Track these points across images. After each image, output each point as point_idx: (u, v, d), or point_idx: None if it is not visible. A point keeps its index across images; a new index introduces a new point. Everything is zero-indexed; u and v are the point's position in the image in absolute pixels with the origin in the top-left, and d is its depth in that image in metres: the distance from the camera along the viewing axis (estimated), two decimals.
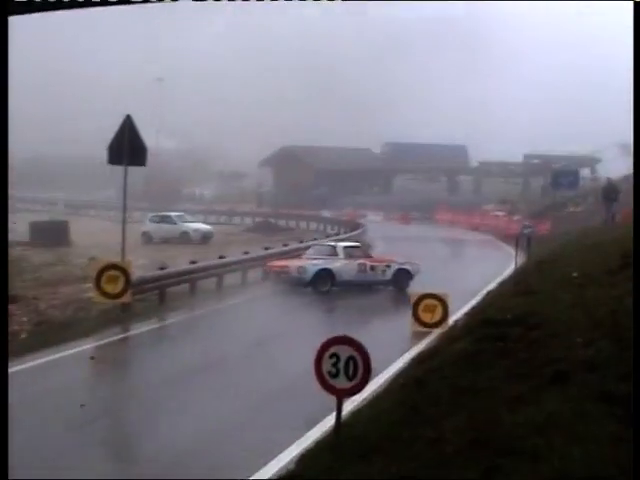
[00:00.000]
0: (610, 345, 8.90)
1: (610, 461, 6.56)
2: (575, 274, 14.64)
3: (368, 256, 25.58)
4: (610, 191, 34.17)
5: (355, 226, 45.10)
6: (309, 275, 23.46)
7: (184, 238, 44.34)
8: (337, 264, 23.83)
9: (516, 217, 53.32)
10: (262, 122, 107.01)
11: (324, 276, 23.49)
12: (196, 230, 45.29)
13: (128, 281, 18.40)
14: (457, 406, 8.59)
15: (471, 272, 30.59)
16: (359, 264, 24.08)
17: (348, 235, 39.66)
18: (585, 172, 74.71)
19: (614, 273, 13.03)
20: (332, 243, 26.42)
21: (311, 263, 23.82)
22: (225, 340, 16.63)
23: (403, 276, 24.23)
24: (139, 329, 17.44)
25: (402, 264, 24.72)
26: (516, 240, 30.19)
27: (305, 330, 17.26)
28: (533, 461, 6.78)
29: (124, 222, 19.50)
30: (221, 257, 25.03)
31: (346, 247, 25.03)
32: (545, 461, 6.72)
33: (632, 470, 6.07)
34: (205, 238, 44.70)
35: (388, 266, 24.49)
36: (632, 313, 7.88)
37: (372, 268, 24.26)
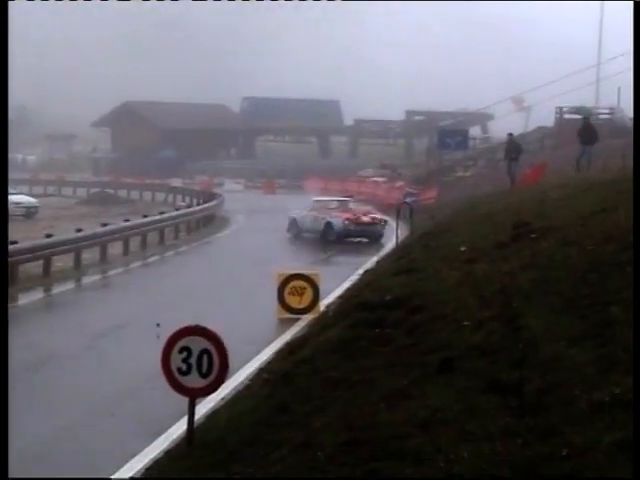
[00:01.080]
0: (501, 327, 9.17)
1: (502, 459, 6.77)
2: (463, 248, 15.00)
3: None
4: (511, 149, 34.87)
5: (210, 196, 44.94)
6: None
7: None
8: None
9: (398, 184, 54.23)
10: (97, 76, 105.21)
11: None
12: (18, 203, 44.16)
13: None
14: (330, 402, 8.70)
15: (345, 249, 30.99)
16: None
17: (202, 207, 39.49)
18: (475, 131, 76.56)
19: (506, 246, 13.43)
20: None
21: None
22: (58, 334, 16.32)
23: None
24: None
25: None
26: (397, 210, 30.70)
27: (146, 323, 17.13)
28: (416, 463, 6.93)
29: None
30: (48, 236, 24.48)
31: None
32: (430, 463, 6.88)
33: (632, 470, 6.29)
34: (29, 213, 43.73)
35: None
36: (633, 314, 8.14)
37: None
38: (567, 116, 58.11)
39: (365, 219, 32.93)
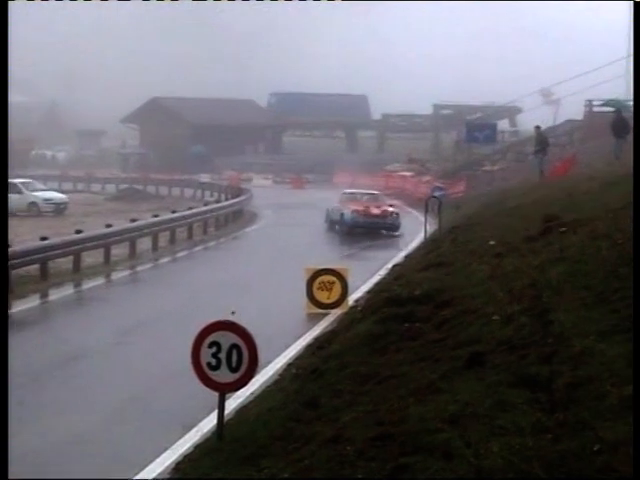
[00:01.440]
0: (530, 321, 9.13)
1: (533, 454, 6.74)
2: (492, 242, 14.96)
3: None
4: (540, 143, 34.75)
5: (238, 192, 45.01)
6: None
7: (33, 210, 43.49)
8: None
9: (426, 178, 54.10)
10: (126, 72, 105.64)
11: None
12: (48, 200, 44.46)
13: None
14: (359, 397, 8.69)
15: (374, 244, 30.96)
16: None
17: (230, 202, 39.55)
18: (504, 124, 76.21)
19: (535, 240, 13.37)
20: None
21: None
22: (86, 331, 16.40)
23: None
24: None
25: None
26: (425, 204, 30.63)
27: (175, 317, 17.17)
28: (445, 458, 6.91)
29: None
30: (78, 232, 24.61)
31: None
32: (459, 457, 6.86)
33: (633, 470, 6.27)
34: (59, 209, 43.97)
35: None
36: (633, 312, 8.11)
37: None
38: (596, 109, 57.75)
39: (374, 211, 33.34)
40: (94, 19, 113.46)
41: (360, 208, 33.38)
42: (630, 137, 31.76)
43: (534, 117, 56.88)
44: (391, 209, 34.12)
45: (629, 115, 41.59)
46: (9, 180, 46.66)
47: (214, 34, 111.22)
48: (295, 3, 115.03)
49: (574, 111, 60.98)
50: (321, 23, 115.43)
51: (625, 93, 73.22)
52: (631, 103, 59.10)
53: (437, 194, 36.97)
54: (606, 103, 50.56)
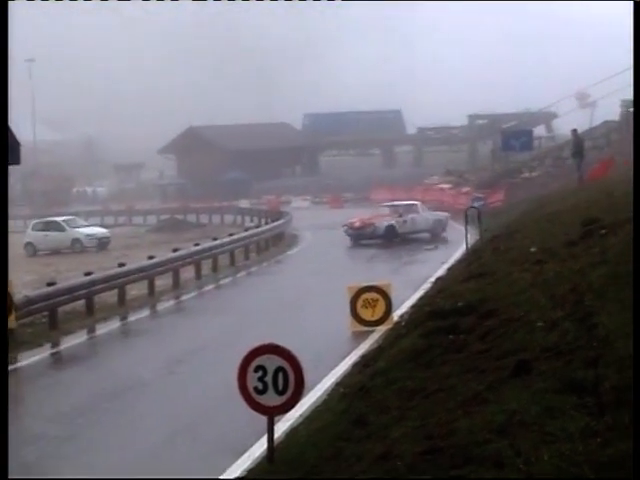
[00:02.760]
0: (574, 326, 9.11)
1: (583, 459, 6.73)
2: (533, 249, 14.92)
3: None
4: (577, 146, 34.65)
5: (278, 215, 45.17)
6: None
7: (77, 246, 43.93)
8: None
9: (465, 189, 54.00)
10: (160, 104, 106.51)
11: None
12: (90, 235, 44.87)
13: (11, 304, 18.11)
14: (407, 412, 8.71)
15: (417, 258, 30.95)
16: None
17: (271, 226, 39.71)
18: (540, 130, 75.90)
19: (575, 244, 13.33)
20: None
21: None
22: (136, 363, 16.55)
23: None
24: (27, 359, 17.21)
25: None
26: (465, 215, 30.58)
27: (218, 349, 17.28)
28: (496, 468, 6.91)
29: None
30: (121, 265, 24.85)
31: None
32: (510, 466, 6.85)
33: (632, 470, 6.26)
34: (102, 244, 44.35)
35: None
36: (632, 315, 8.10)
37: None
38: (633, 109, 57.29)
39: (356, 224, 37.80)
40: (124, 52, 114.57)
41: (349, 222, 37.97)
42: None
43: (570, 121, 56.60)
44: (371, 221, 37.80)
45: None
46: (51, 218, 47.46)
47: (244, 58, 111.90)
48: (322, 22, 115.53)
49: (611, 112, 60.65)
50: (349, 40, 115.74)
51: None
52: None
53: (476, 204, 36.92)
54: (625, 104, 50.21)
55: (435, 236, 37.48)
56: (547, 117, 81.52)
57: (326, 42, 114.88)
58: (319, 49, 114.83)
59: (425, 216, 38.77)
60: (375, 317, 17.34)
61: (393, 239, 37.42)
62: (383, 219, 38.51)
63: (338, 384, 12.43)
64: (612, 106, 59.29)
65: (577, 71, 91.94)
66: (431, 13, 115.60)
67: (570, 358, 8.44)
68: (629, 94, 58.75)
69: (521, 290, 11.75)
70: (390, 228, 37.76)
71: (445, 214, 40.16)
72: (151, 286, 25.30)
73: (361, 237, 37.44)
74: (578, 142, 35.21)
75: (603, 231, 13.28)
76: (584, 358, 8.29)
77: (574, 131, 36.21)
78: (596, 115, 72.02)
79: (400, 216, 38.51)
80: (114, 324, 21.13)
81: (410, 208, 38.99)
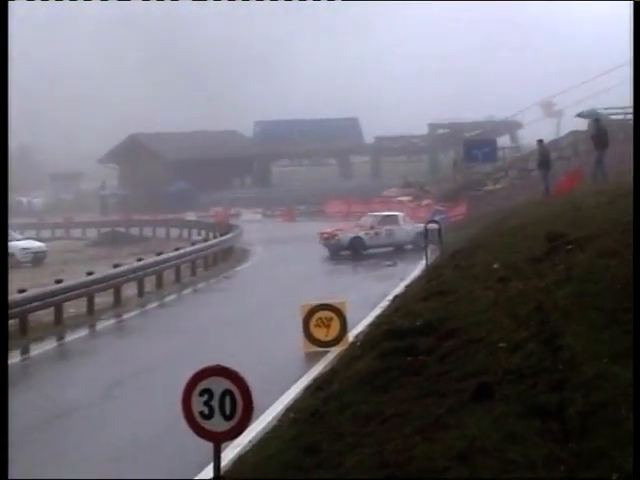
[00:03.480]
0: (538, 348, 9.17)
1: None
2: (496, 265, 15.01)
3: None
4: (543, 157, 35.02)
5: (227, 228, 45.10)
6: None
7: (10, 261, 43.46)
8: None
9: (425, 201, 54.31)
10: (102, 110, 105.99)
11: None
12: (25, 249, 44.51)
13: None
14: (362, 439, 8.71)
15: (373, 274, 31.04)
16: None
17: (219, 240, 39.63)
18: (504, 140, 76.49)
19: (540, 261, 13.42)
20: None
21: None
22: (72, 387, 16.41)
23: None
24: None
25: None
26: (425, 229, 30.72)
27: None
28: None
29: None
30: (58, 281, 24.64)
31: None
32: None
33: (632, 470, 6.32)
34: (37, 258, 44.02)
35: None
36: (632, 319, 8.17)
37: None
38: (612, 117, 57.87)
39: (325, 235, 39.48)
40: (65, 54, 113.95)
41: (320, 232, 39.69)
42: (607, 148, 32.43)
43: (536, 130, 57.17)
44: (335, 232, 39.37)
45: (609, 125, 42.09)
46: None
47: (190, 63, 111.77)
48: (275, 25, 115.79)
49: (578, 122, 61.29)
50: (304, 45, 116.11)
51: (630, 99, 73.52)
52: (611, 111, 59.52)
53: (437, 218, 37.08)
54: (580, 114, 50.94)
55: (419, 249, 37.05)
56: (511, 126, 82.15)
57: (278, 47, 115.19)
58: (271, 54, 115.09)
59: (405, 228, 38.93)
60: (329, 337, 17.35)
61: (360, 252, 37.73)
62: (349, 231, 39.06)
63: (289, 409, 12.41)
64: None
65: (543, 79, 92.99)
66: (388, 17, 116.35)
67: (534, 381, 8.50)
68: (596, 103, 59.47)
69: (483, 309, 11.81)
70: (356, 240, 38.22)
71: (434, 226, 39.71)
72: (90, 304, 25.13)
73: (331, 248, 38.63)
74: (544, 153, 35.56)
75: (570, 247, 13.38)
76: (549, 381, 8.35)
77: (540, 141, 36.56)
78: (563, 125, 72.81)
79: (371, 228, 38.75)
80: (49, 344, 20.95)
81: (389, 219, 39.46)
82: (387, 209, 55.35)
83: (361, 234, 38.69)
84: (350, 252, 38.02)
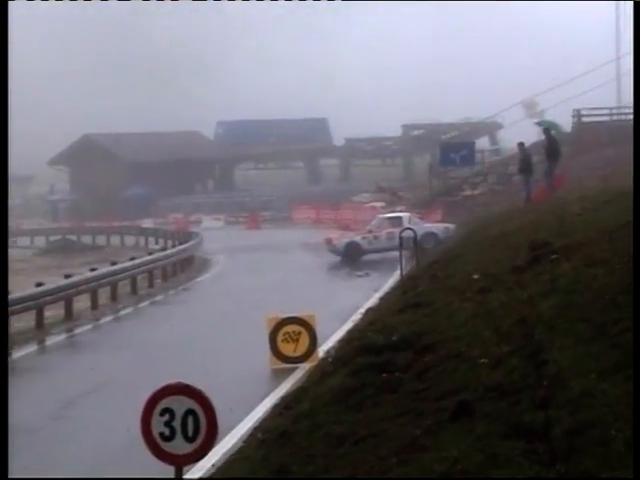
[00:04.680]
0: (522, 363, 9.23)
1: None
2: (476, 276, 15.10)
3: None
4: (524, 161, 35.34)
5: (187, 237, 45.03)
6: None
7: None
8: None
9: (399, 208, 54.36)
10: (52, 109, 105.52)
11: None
12: None
13: None
14: (335, 461, 8.73)
15: (344, 286, 31.09)
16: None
17: (178, 249, 39.56)
18: (483, 142, 76.85)
19: (522, 271, 13.52)
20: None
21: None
22: (19, 407, 16.32)
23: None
24: None
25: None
26: (399, 238, 30.80)
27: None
28: None
29: None
30: None
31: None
32: None
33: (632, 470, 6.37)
34: None
35: None
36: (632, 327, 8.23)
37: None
38: (586, 119, 58.44)
39: (326, 240, 40.27)
40: (14, 51, 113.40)
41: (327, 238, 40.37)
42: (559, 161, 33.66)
43: (517, 132, 57.43)
44: (332, 237, 40.70)
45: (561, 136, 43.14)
46: None
47: (151, 61, 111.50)
48: (240, 20, 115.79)
49: (561, 123, 61.70)
50: (270, 42, 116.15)
51: (616, 98, 74.17)
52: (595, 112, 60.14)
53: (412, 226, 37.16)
54: (539, 123, 51.80)
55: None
56: (491, 127, 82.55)
57: (243, 44, 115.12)
58: (235, 52, 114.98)
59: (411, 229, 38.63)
60: (298, 353, 17.34)
61: (357, 257, 37.98)
62: (346, 236, 39.75)
63: (256, 429, 12.41)
64: (563, 116, 60.31)
65: (524, 77, 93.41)
66: (359, 12, 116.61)
67: (517, 399, 8.55)
68: (581, 103, 59.92)
69: (462, 322, 11.88)
70: (352, 245, 38.49)
71: (445, 225, 40.42)
72: (39, 317, 24.99)
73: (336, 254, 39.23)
74: (525, 156, 35.76)
75: (554, 256, 13.49)
76: (533, 399, 8.40)
77: (521, 144, 36.76)
78: None
79: (370, 232, 38.76)
80: None
81: (392, 221, 39.24)
82: (359, 216, 55.64)
83: (357, 239, 38.87)
84: (347, 258, 38.19)
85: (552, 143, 34.54)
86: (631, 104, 61.61)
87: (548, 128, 37.12)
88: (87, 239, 58.71)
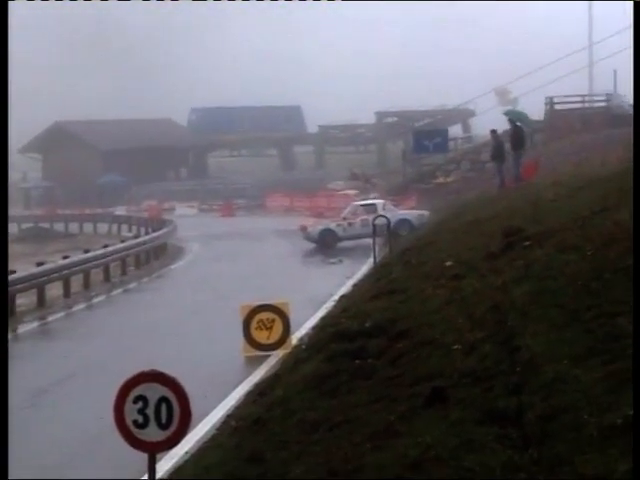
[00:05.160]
0: (495, 349, 9.26)
1: None
2: (449, 262, 15.13)
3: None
4: (497, 148, 35.47)
5: (160, 224, 44.94)
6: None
7: None
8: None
9: (372, 195, 54.45)
10: (22, 96, 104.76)
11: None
12: None
13: None
14: (308, 447, 8.74)
15: (318, 274, 31.11)
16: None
17: (151, 237, 39.47)
18: (456, 130, 77.04)
19: (496, 257, 13.56)
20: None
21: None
22: None
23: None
24: None
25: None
26: (373, 226, 30.83)
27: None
28: None
29: None
30: None
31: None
32: None
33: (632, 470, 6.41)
34: None
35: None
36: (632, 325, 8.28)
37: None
38: (559, 107, 58.69)
39: (300, 228, 40.64)
40: None
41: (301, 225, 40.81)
42: (524, 151, 34.11)
43: (490, 120, 57.47)
44: (307, 225, 40.80)
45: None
46: None
47: (121, 45, 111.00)
48: (212, 8, 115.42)
49: (534, 110, 61.81)
50: (243, 28, 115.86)
51: (588, 86, 74.43)
52: (596, 97, 60.52)
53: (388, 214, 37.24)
54: (506, 113, 52.12)
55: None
56: (464, 115, 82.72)
57: (213, 30, 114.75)
58: (207, 37, 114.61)
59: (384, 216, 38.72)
60: (271, 340, 17.35)
61: (332, 245, 38.10)
62: (320, 223, 39.97)
63: (230, 416, 12.41)
64: (535, 104, 60.48)
65: (497, 65, 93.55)
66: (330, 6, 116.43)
67: (490, 385, 8.58)
68: (553, 91, 60.10)
69: (436, 309, 11.90)
70: (326, 233, 38.66)
71: (419, 212, 40.61)
72: (11, 305, 24.89)
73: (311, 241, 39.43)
74: (498, 143, 35.86)
75: (527, 242, 13.53)
76: (506, 384, 8.44)
77: (493, 131, 36.87)
78: None
79: (344, 219, 38.89)
80: None
81: (367, 208, 39.51)
82: (332, 204, 55.67)
83: (332, 226, 38.87)
84: (321, 246, 38.26)
85: (516, 133, 34.73)
86: (603, 92, 62.16)
87: (512, 119, 37.28)
88: (60, 227, 58.50)
